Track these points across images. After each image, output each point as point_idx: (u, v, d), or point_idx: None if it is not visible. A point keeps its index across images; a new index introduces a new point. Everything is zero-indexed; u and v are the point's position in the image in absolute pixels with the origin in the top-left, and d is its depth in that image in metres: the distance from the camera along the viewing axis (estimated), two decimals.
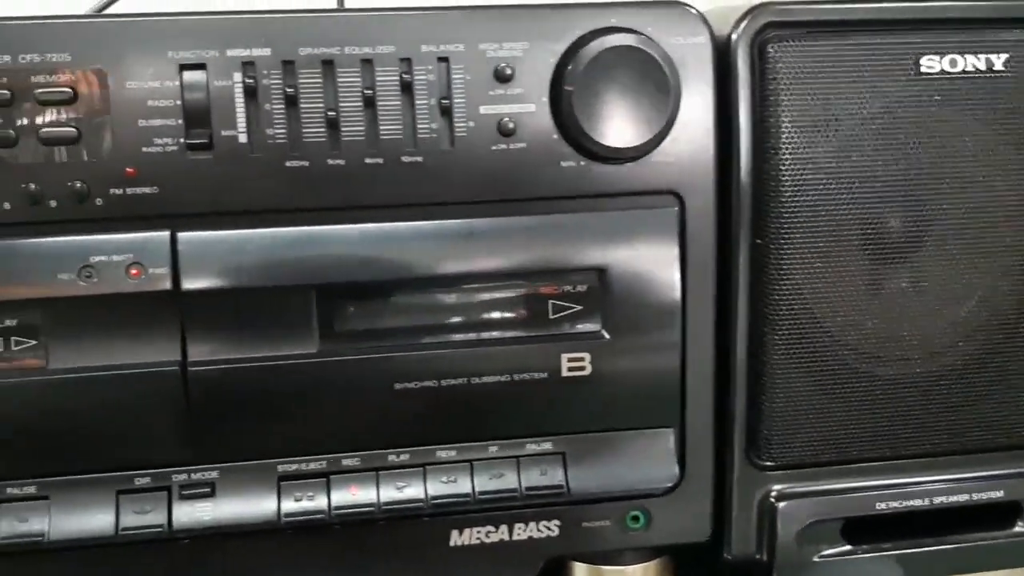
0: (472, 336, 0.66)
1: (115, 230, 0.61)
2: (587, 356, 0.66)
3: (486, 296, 0.66)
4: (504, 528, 0.69)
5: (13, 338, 0.61)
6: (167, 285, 0.61)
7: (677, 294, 0.67)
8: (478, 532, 0.69)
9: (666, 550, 0.75)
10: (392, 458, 0.67)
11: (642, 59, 0.63)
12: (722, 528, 0.72)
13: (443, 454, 0.67)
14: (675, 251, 0.66)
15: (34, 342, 0.62)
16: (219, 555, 0.66)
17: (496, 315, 0.66)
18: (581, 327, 0.66)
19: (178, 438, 0.64)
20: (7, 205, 0.60)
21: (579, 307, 0.66)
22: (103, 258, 0.61)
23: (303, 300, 0.63)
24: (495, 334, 0.66)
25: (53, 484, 0.64)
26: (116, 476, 0.64)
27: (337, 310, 0.64)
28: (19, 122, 0.59)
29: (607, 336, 0.66)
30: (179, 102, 0.60)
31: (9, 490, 0.63)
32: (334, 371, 0.64)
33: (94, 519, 0.63)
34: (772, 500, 0.72)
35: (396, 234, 0.64)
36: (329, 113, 0.62)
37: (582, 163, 0.65)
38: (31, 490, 0.63)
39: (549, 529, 0.70)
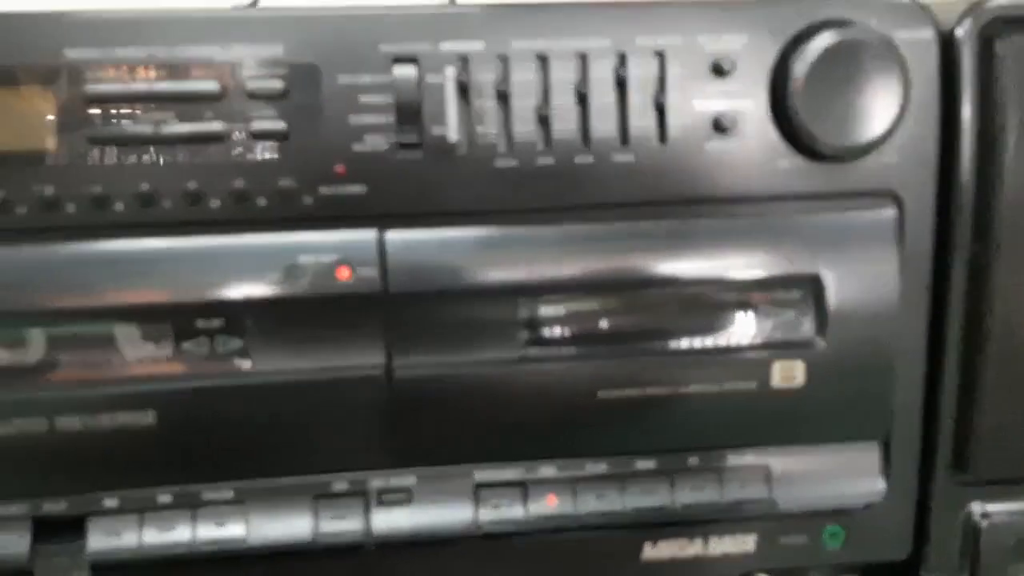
0: (680, 343, 0.63)
1: (322, 229, 0.59)
2: (800, 365, 0.63)
3: (695, 301, 0.63)
4: (699, 541, 0.67)
5: (218, 337, 0.60)
6: (375, 286, 0.59)
7: (894, 301, 0.63)
8: (673, 545, 0.67)
9: (857, 568, 0.72)
10: (591, 468, 0.64)
11: (869, 54, 0.59)
12: (922, 546, 0.69)
13: (642, 465, 0.65)
14: (893, 256, 0.63)
15: (239, 343, 0.60)
16: (413, 562, 0.64)
17: (705, 321, 0.63)
18: (794, 335, 0.63)
19: (378, 443, 0.62)
20: (216, 203, 0.58)
21: (792, 313, 0.63)
22: (311, 258, 0.59)
23: (508, 303, 0.61)
24: (704, 341, 0.63)
25: (250, 489, 0.62)
26: (313, 481, 0.62)
27: (542, 314, 0.62)
28: (228, 117, 0.57)
29: (821, 345, 0.63)
30: (391, 98, 0.58)
31: (206, 494, 0.62)
32: (537, 377, 0.62)
33: (292, 524, 0.62)
34: (977, 517, 0.69)
35: (604, 235, 0.61)
36: (541, 110, 0.59)
37: (800, 162, 0.62)
38: (228, 494, 0.62)
39: (745, 544, 0.67)
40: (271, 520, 0.62)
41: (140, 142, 0.57)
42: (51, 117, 0.56)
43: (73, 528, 0.61)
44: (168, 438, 0.59)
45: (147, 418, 0.59)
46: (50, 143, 0.57)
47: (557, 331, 0.62)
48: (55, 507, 0.61)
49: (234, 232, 0.58)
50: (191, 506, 0.61)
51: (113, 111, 0.57)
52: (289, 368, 0.60)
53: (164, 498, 0.61)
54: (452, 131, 0.59)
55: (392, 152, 0.59)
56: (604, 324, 0.63)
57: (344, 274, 0.59)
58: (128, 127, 0.57)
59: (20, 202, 0.57)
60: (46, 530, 0.61)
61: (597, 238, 0.61)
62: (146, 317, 0.59)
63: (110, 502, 0.61)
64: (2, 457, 0.59)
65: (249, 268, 0.59)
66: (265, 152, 0.58)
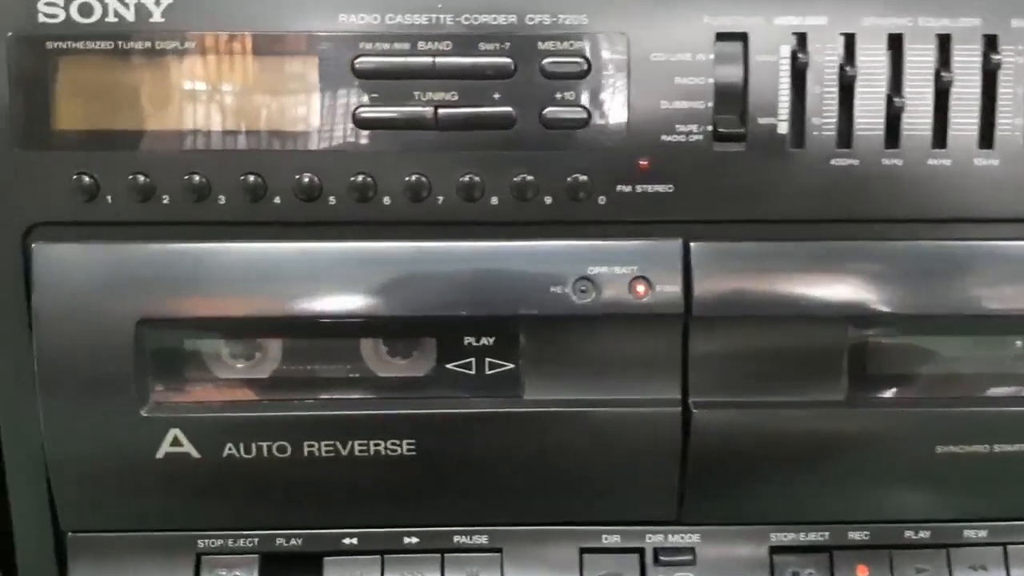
0: None
1: (617, 237, 0.49)
2: None
3: None
4: None
5: (488, 360, 0.51)
6: (676, 307, 0.49)
7: None
8: None
9: None
10: (910, 534, 0.53)
11: None
12: None
13: (972, 534, 0.53)
14: None
15: (511, 367, 0.51)
16: None
17: None
18: None
19: (662, 494, 0.52)
20: (494, 200, 0.49)
21: None
22: (602, 270, 0.49)
23: (833, 334, 0.50)
24: None
25: (509, 535, 0.53)
26: (582, 532, 0.53)
27: (871, 348, 0.51)
28: (518, 99, 0.48)
29: None
30: (711, 80, 0.48)
31: (457, 539, 0.53)
32: (863, 424, 0.51)
33: None
34: None
35: (964, 256, 0.50)
36: (890, 101, 0.48)
37: None
38: (483, 540, 0.53)
39: None
40: (530, 574, 0.53)
41: (413, 126, 0.48)
42: (315, 94, 0.48)
43: (306, 568, 0.53)
44: (421, 472, 0.51)
45: (399, 447, 0.50)
46: (313, 123, 0.48)
47: (887, 368, 0.51)
48: (288, 543, 0.52)
49: (514, 235, 0.49)
50: (440, 550, 0.53)
51: (386, 89, 0.48)
52: (566, 399, 0.50)
53: (411, 540, 0.53)
54: (782, 121, 0.48)
55: (707, 144, 0.48)
56: (940, 364, 0.52)
57: (640, 290, 0.49)
58: (401, 110, 0.48)
59: (277, 191, 0.49)
60: (275, 568, 0.52)
61: (953, 259, 0.50)
62: (405, 330, 0.51)
63: (350, 540, 0.53)
64: (232, 482, 0.51)
65: (528, 278, 0.49)
66: (557, 141, 0.48)
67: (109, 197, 0.48)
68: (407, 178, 0.48)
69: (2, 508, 0.53)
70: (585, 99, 0.48)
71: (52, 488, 0.51)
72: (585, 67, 0.48)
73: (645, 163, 0.49)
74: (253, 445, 0.50)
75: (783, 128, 0.48)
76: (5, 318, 0.50)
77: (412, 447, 0.50)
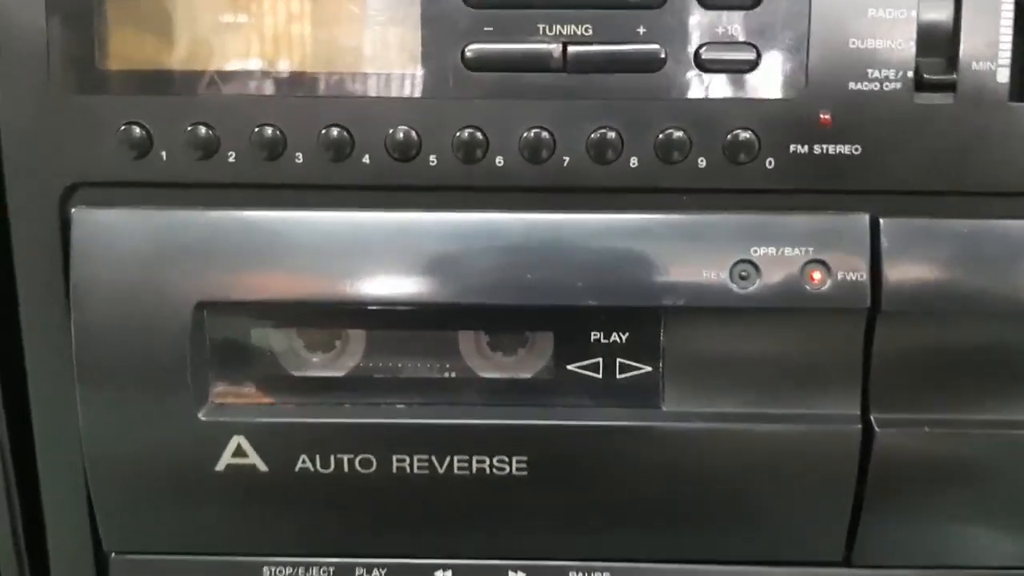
0: None
1: (787, 210, 0.40)
2: None
3: None
4: None
5: (619, 360, 0.41)
6: (861, 300, 0.39)
7: None
8: None
9: None
10: None
11: None
12: None
13: None
14: None
15: (647, 369, 0.41)
16: None
17: None
18: None
19: (828, 525, 0.42)
20: (632, 161, 0.40)
21: None
22: (770, 250, 0.39)
23: None
24: None
25: (634, 572, 0.44)
26: (727, 570, 0.43)
27: None
28: (665, 35, 0.38)
29: None
30: (914, 14, 0.38)
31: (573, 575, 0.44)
32: None
33: None
34: None
35: None
36: None
37: None
38: None
39: None
40: None
41: (536, 67, 0.39)
42: (415, 28, 0.39)
43: None
44: (533, 494, 0.42)
45: (508, 465, 0.41)
46: (412, 64, 0.39)
47: None
48: (371, 574, 0.44)
49: (657, 206, 0.41)
50: None
51: (503, 20, 0.39)
52: (715, 412, 0.41)
53: (517, 574, 0.43)
54: (1002, 67, 0.38)
55: (906, 95, 0.39)
56: None
57: (816, 278, 0.39)
58: (521, 47, 0.39)
59: (366, 147, 0.40)
60: None
61: None
62: (516, 323, 0.42)
63: (443, 573, 0.44)
64: (306, 500, 0.42)
65: (674, 260, 0.40)
66: (716, 88, 0.39)
67: (164, 153, 0.41)
68: (525, 134, 0.40)
69: (36, 525, 0.45)
70: (753, 35, 0.38)
71: (93, 502, 0.43)
72: None
73: (827, 118, 0.39)
74: (332, 458, 0.41)
75: (1003, 76, 0.39)
76: (39, 299, 0.42)
77: (523, 465, 0.41)
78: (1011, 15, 0.38)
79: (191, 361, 0.41)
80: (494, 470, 0.41)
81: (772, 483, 0.41)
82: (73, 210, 0.41)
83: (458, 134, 0.40)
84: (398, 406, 0.42)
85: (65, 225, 0.41)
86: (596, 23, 0.39)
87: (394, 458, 0.41)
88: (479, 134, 0.40)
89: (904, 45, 0.38)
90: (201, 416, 0.41)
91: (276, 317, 0.42)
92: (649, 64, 0.39)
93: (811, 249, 0.40)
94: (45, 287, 0.41)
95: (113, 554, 0.44)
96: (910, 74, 0.38)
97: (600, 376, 0.41)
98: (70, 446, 0.42)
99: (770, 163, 0.39)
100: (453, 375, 0.43)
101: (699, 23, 0.38)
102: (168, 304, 0.40)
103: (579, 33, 0.39)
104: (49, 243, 0.41)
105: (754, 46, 0.38)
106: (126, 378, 0.41)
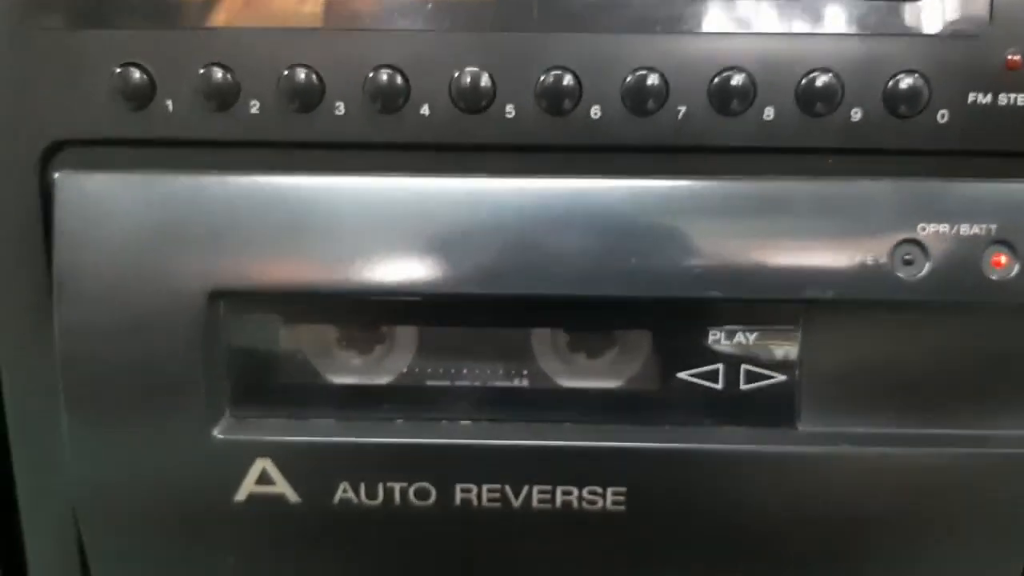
0: None
1: (965, 177, 0.31)
2: None
3: None
4: None
5: (744, 368, 0.33)
6: None
7: None
8: None
9: None
10: None
11: None
12: None
13: None
14: None
15: (780, 378, 0.33)
16: None
17: None
18: None
19: (1002, 568, 0.34)
20: (770, 113, 0.31)
21: None
22: (942, 228, 0.31)
23: None
24: None
25: None
26: None
27: None
28: None
29: None
30: None
31: None
32: None
33: None
34: None
35: None
36: None
37: None
38: None
39: None
40: None
41: None
42: None
43: None
44: (633, 534, 0.34)
45: (601, 498, 0.33)
46: None
47: None
48: None
49: (798, 170, 0.32)
50: None
51: None
52: (864, 433, 0.33)
53: None
54: None
55: None
56: None
57: (1000, 262, 0.31)
58: None
59: (424, 95, 0.31)
60: None
61: None
62: (608, 319, 0.34)
63: None
64: (347, 538, 0.34)
65: (818, 240, 0.32)
66: (873, 20, 0.31)
67: (169, 102, 0.32)
68: (628, 77, 0.31)
69: (16, 563, 0.36)
70: None
71: (84, 543, 0.36)
72: None
73: (1015, 59, 0.31)
74: (380, 487, 0.33)
75: None
76: (13, 287, 0.34)
77: (621, 498, 0.33)
78: None
79: (204, 365, 0.33)
80: (584, 504, 0.33)
81: (938, 521, 0.34)
82: (56, 174, 0.33)
83: (543, 78, 0.31)
84: (462, 423, 0.34)
85: (46, 193, 0.33)
86: None
87: (457, 488, 0.33)
88: (569, 77, 0.31)
89: None
90: (216, 434, 0.33)
91: (309, 310, 0.34)
92: None
93: (993, 227, 0.32)
94: (20, 271, 0.33)
95: None
96: None
97: (720, 387, 0.33)
98: (55, 473, 0.34)
99: (943, 116, 0.31)
100: (527, 382, 0.35)
101: None
102: (175, 293, 0.32)
103: None
104: (26, 216, 0.33)
105: None
106: (123, 387, 0.33)
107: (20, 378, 0.35)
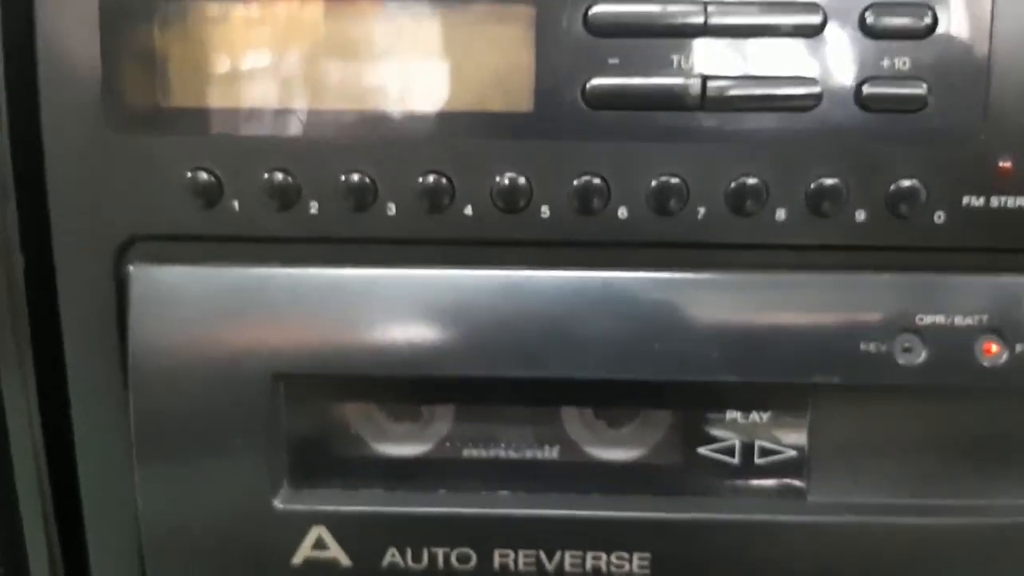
0: None
1: (953, 269, 0.34)
2: None
3: None
4: None
5: (758, 443, 0.36)
6: None
7: None
8: None
9: None
10: None
11: None
12: None
13: None
14: None
15: (791, 453, 0.36)
16: None
17: None
18: None
19: None
20: (779, 213, 0.34)
21: None
22: (938, 319, 0.34)
23: None
24: None
25: None
26: None
27: None
28: (825, 69, 0.33)
29: None
30: None
31: None
32: None
33: None
34: None
35: None
36: None
37: None
38: None
39: None
40: None
41: (668, 105, 0.33)
42: (529, 60, 0.33)
43: None
44: None
45: (628, 563, 0.36)
46: (524, 101, 0.34)
47: None
48: None
49: (806, 265, 0.35)
50: None
51: (627, 54, 0.33)
52: (872, 504, 0.36)
53: None
54: None
55: None
56: None
57: (992, 350, 0.34)
58: (652, 82, 0.33)
59: (468, 197, 0.34)
60: None
61: None
62: (640, 397, 0.36)
63: None
64: None
65: (826, 329, 0.35)
66: (878, 130, 0.33)
67: (235, 202, 0.35)
68: (653, 181, 0.34)
69: None
70: (923, 69, 0.33)
71: None
72: (930, 21, 0.32)
73: (1007, 166, 0.34)
74: (425, 552, 0.36)
75: None
76: (90, 369, 0.37)
77: (646, 563, 0.36)
78: None
79: (267, 440, 0.35)
80: (612, 568, 0.36)
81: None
82: (130, 267, 0.35)
83: (575, 182, 0.34)
84: (500, 493, 0.37)
85: (121, 284, 0.36)
86: (741, 54, 0.33)
87: (496, 553, 0.36)
88: (599, 181, 0.34)
89: None
90: (277, 504, 0.36)
91: (361, 390, 0.37)
92: (803, 101, 0.33)
93: (985, 317, 0.34)
94: (98, 356, 0.36)
95: None
96: None
97: (737, 461, 0.36)
98: (125, 536, 0.37)
99: (939, 217, 0.34)
100: (557, 454, 0.37)
101: (861, 54, 0.33)
102: (240, 375, 0.35)
103: (720, 67, 0.33)
104: (102, 305, 0.36)
105: (925, 82, 0.33)
106: (191, 459, 0.36)
107: (96, 451, 0.37)
